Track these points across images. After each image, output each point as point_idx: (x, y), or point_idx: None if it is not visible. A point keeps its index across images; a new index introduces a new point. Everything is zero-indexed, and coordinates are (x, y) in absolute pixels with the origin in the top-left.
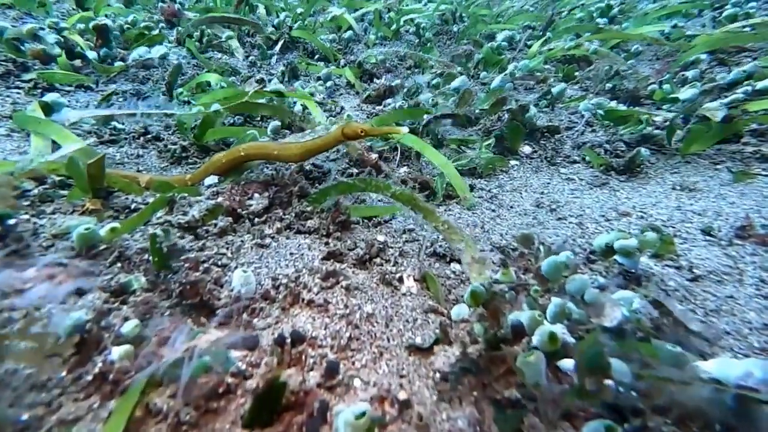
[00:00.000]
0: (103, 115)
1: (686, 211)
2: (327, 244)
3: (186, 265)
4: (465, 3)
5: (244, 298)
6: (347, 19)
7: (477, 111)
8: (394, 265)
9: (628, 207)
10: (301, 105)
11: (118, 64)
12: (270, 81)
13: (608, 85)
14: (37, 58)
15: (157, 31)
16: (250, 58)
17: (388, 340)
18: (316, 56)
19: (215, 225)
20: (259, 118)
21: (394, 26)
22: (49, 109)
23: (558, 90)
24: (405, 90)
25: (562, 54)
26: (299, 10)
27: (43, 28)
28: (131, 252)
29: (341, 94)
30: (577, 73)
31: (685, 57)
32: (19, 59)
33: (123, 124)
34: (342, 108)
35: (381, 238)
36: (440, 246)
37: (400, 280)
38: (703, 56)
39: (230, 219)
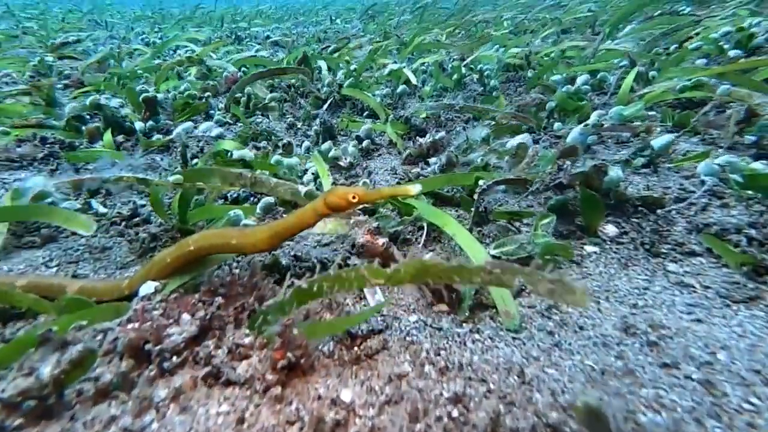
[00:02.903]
0: (74, 181)
1: None
2: (252, 413)
3: None
4: (547, 50)
5: None
6: (404, 71)
7: (542, 174)
8: None
9: None
10: (312, 174)
11: (156, 137)
12: (302, 144)
13: (749, 138)
14: (92, 135)
15: (203, 100)
16: (288, 119)
17: None
18: (366, 113)
19: (95, 380)
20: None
21: (455, 75)
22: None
23: (662, 144)
24: (454, 147)
25: (672, 97)
26: (353, 67)
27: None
28: None
29: (379, 155)
30: (694, 121)
31: None
32: (68, 140)
33: (107, 207)
34: (369, 173)
35: (347, 395)
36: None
37: None
38: None
39: (132, 362)
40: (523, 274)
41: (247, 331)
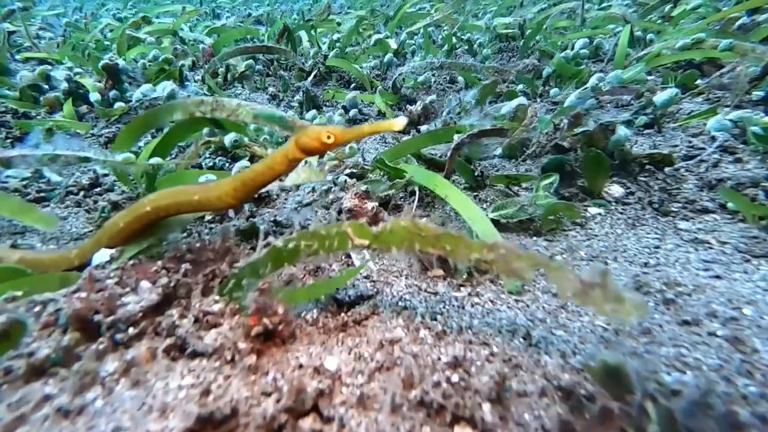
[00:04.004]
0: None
1: None
2: (220, 385)
3: None
4: (538, 17)
5: None
6: (387, 42)
7: (538, 135)
8: None
9: None
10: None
11: (118, 105)
12: (286, 113)
13: (758, 93)
14: (52, 106)
15: (176, 67)
16: (269, 89)
17: None
18: (352, 85)
19: (27, 356)
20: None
21: (446, 46)
22: None
23: (665, 98)
24: (447, 111)
25: (672, 60)
26: (335, 36)
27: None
28: None
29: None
30: (698, 82)
31: None
32: (22, 109)
33: (62, 176)
34: (357, 141)
35: (331, 363)
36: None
37: None
38: None
39: (77, 335)
40: (545, 264)
41: (217, 297)
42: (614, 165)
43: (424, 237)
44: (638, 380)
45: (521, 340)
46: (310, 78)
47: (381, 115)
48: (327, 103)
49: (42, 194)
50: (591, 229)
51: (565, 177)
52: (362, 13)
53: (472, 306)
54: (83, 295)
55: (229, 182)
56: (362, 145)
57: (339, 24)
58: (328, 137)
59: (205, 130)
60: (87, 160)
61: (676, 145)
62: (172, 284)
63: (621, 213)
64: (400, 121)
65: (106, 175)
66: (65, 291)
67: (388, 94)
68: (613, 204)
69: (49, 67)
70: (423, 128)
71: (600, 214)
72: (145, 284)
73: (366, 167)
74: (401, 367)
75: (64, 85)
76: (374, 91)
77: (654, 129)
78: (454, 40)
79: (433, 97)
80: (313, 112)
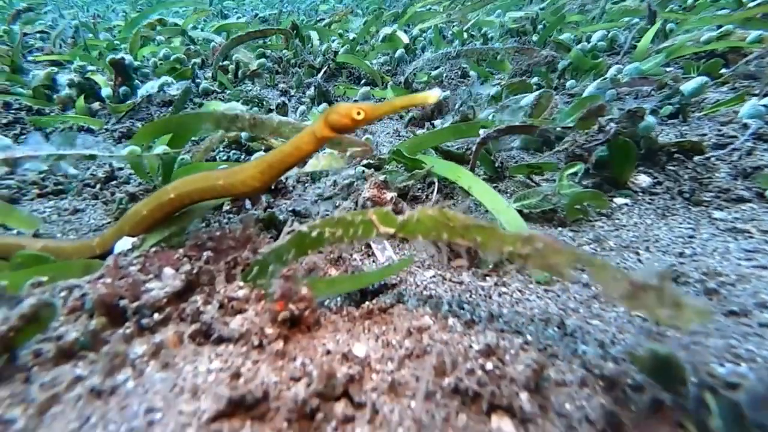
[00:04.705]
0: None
1: None
2: (249, 369)
3: None
4: (550, 9)
5: None
6: (399, 36)
7: (558, 129)
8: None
9: None
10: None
11: (128, 102)
12: (297, 110)
13: None
14: (64, 103)
15: (188, 67)
16: (280, 86)
17: None
18: (363, 81)
19: (56, 339)
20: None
21: (456, 41)
22: None
23: (694, 87)
24: (459, 103)
25: (692, 51)
26: (351, 36)
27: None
28: None
29: (380, 120)
30: (723, 71)
31: None
32: (36, 106)
33: (78, 169)
34: (371, 134)
35: (360, 349)
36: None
37: None
38: None
39: (103, 320)
40: (587, 261)
41: (241, 283)
42: (640, 154)
43: (452, 227)
44: (693, 371)
45: (555, 329)
46: (321, 73)
47: None
48: (338, 99)
49: (60, 187)
50: (618, 219)
51: (594, 167)
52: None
53: (500, 296)
54: (108, 281)
55: (254, 165)
56: (376, 138)
57: (347, 31)
58: (359, 113)
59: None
60: (93, 157)
61: (705, 134)
62: (194, 271)
63: (649, 203)
64: (435, 93)
65: (121, 168)
66: (89, 277)
67: (400, 89)
68: (640, 194)
69: (55, 69)
70: (437, 123)
71: (627, 204)
72: (168, 271)
73: (382, 158)
74: (432, 354)
75: (76, 78)
76: (385, 87)
77: (679, 118)
78: (465, 35)
79: (447, 92)
80: (325, 105)
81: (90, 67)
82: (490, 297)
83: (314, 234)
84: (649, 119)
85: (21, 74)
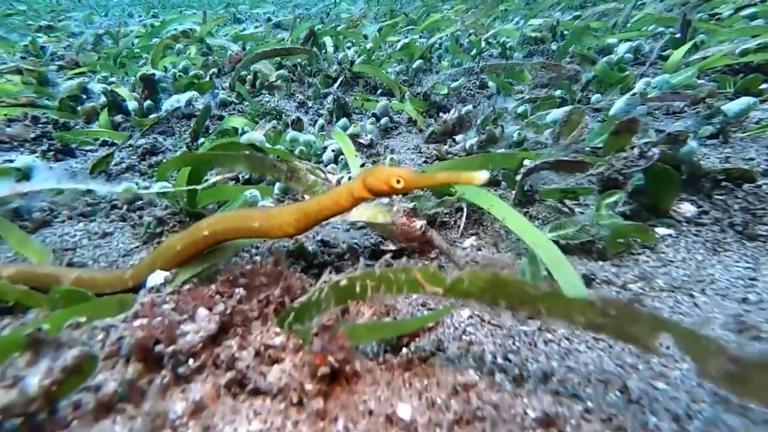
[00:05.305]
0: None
1: None
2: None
3: None
4: (569, 18)
5: None
6: (416, 46)
7: (587, 148)
8: None
9: None
10: (332, 151)
11: (152, 116)
12: (315, 123)
13: None
14: (89, 115)
15: (207, 78)
16: (297, 97)
17: None
18: (379, 91)
19: (95, 390)
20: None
21: (474, 50)
22: None
23: (740, 108)
24: (481, 120)
25: (725, 63)
26: (368, 45)
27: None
28: None
29: (399, 133)
30: (763, 86)
31: None
32: (62, 119)
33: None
34: (392, 151)
35: (404, 411)
36: None
37: None
38: None
39: (140, 366)
40: (673, 329)
41: (278, 329)
42: (682, 180)
43: (509, 293)
44: None
45: (617, 393)
46: (337, 84)
47: (412, 122)
48: (355, 111)
49: (89, 207)
50: (664, 252)
51: (633, 194)
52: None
53: (546, 344)
54: (144, 322)
55: (291, 211)
56: (397, 156)
57: (366, 36)
58: (398, 181)
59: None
60: (90, 192)
61: (751, 158)
62: (228, 311)
63: (696, 235)
64: (482, 176)
65: (147, 187)
66: (124, 315)
67: (418, 101)
68: (685, 224)
69: (86, 80)
70: (458, 137)
71: (671, 235)
72: (202, 311)
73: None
74: (484, 422)
75: (102, 98)
76: (403, 97)
77: (719, 139)
78: (483, 44)
79: (470, 107)
80: (344, 120)
81: (111, 78)
82: (536, 345)
83: (355, 287)
84: (692, 144)
85: (47, 86)
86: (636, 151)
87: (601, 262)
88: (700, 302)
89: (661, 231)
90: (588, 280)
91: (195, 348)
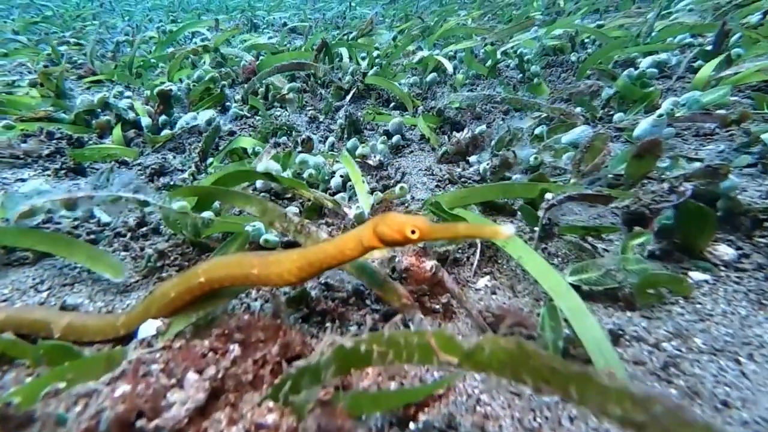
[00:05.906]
0: (65, 200)
1: None
2: None
3: None
4: (591, 25)
5: None
6: (438, 58)
7: (609, 175)
8: None
9: None
10: (341, 176)
11: (165, 132)
12: (326, 140)
13: None
14: (102, 129)
15: (218, 90)
16: (309, 111)
17: None
18: (392, 104)
19: None
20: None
21: (490, 62)
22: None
23: None
24: (495, 141)
25: (765, 78)
26: (376, 54)
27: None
28: None
29: (411, 151)
30: None
31: None
32: (76, 135)
33: (111, 215)
34: (402, 175)
35: None
36: None
37: None
38: None
39: None
40: None
41: (270, 403)
42: (718, 218)
43: (535, 368)
44: None
45: None
46: (349, 96)
47: (424, 139)
48: (367, 126)
49: (92, 236)
50: (700, 303)
51: (662, 233)
52: (398, 28)
53: (571, 421)
54: (127, 389)
55: (293, 259)
56: (408, 179)
57: (377, 48)
58: (413, 232)
59: (259, 183)
60: (146, 204)
61: None
62: (220, 375)
63: (737, 283)
64: (507, 231)
65: (152, 213)
66: (109, 377)
67: (431, 116)
68: (723, 269)
69: (107, 94)
70: (472, 158)
71: (707, 281)
72: (191, 376)
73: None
74: None
75: (130, 114)
76: (416, 111)
77: (757, 168)
78: (498, 55)
79: (483, 126)
80: (354, 140)
81: (126, 93)
82: (560, 422)
83: (360, 351)
84: (734, 179)
85: (64, 98)
86: (666, 185)
87: (629, 313)
88: (749, 371)
89: (696, 276)
90: (615, 337)
91: (180, 424)
